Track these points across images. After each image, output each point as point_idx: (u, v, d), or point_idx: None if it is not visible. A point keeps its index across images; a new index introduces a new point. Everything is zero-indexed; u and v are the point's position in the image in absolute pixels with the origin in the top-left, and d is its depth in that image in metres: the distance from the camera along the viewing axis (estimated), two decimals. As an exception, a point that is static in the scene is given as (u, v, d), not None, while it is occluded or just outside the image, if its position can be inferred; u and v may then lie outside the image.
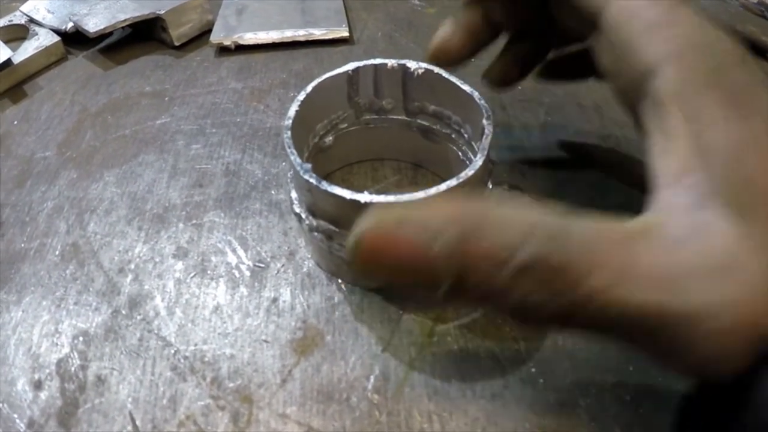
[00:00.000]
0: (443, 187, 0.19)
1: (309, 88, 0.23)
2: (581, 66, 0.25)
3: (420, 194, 0.19)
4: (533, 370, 0.21)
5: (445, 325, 0.22)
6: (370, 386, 0.20)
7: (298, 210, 0.22)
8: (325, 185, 0.19)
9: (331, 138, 0.26)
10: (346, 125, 0.26)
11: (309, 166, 0.20)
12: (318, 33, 0.38)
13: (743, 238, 0.14)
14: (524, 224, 0.13)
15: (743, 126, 0.15)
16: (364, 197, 0.19)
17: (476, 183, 0.21)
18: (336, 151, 0.26)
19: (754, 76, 0.16)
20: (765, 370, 0.13)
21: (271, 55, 0.37)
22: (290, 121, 0.22)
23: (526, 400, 0.20)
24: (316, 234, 0.22)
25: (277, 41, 0.38)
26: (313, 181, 0.19)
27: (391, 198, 0.19)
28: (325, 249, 0.22)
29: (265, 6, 0.41)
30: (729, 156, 0.15)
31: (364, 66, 0.24)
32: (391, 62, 0.24)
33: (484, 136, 0.21)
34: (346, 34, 0.38)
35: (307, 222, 0.22)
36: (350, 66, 0.24)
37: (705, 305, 0.13)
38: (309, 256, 0.25)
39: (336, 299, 0.23)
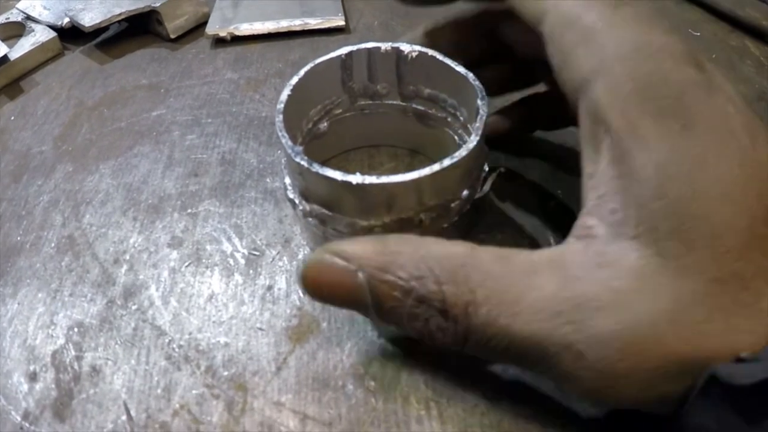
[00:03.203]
0: (437, 167, 0.18)
1: (302, 73, 0.23)
2: (527, 120, 0.26)
3: (412, 174, 0.18)
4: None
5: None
6: (366, 373, 0.20)
7: (291, 195, 0.22)
8: (317, 167, 0.19)
9: (325, 124, 0.25)
10: (340, 111, 0.26)
11: (300, 148, 0.20)
12: (314, 22, 0.38)
13: (637, 277, 0.14)
14: (428, 261, 0.16)
15: (676, 141, 0.14)
16: (355, 178, 0.18)
17: (472, 164, 0.21)
18: (331, 138, 0.26)
19: (700, 76, 0.15)
20: (696, 400, 0.13)
21: (267, 45, 0.37)
22: (282, 105, 0.21)
23: (525, 385, 0.19)
24: (310, 219, 0.21)
25: (273, 31, 0.37)
26: (304, 163, 0.19)
27: (383, 179, 0.18)
28: (320, 235, 0.21)
29: (261, -3, 0.41)
30: (653, 180, 0.14)
31: (358, 50, 0.24)
32: (384, 46, 0.24)
33: (479, 117, 0.20)
34: (342, 23, 0.37)
35: (300, 208, 0.21)
36: (343, 50, 0.24)
37: (583, 337, 0.14)
38: (304, 243, 0.24)
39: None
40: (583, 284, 0.14)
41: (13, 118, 0.33)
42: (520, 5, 0.19)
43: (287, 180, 0.22)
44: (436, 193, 0.19)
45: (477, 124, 0.20)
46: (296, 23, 0.37)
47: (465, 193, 0.21)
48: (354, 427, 0.19)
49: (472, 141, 0.20)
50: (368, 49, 0.24)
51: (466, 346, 0.16)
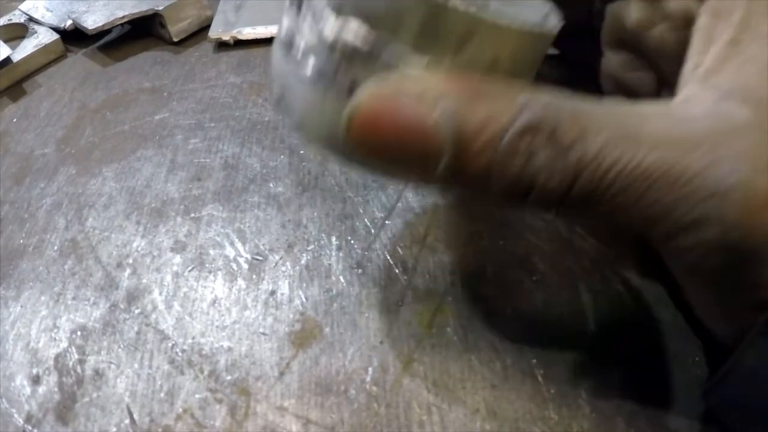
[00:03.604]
0: (538, 29, 0.15)
1: None
2: None
3: (505, 21, 0.14)
4: (534, 361, 0.20)
5: (444, 317, 0.22)
6: (368, 378, 0.20)
7: (290, 26, 0.16)
8: None
9: None
10: None
11: None
12: (316, 27, 0.38)
13: (757, 126, 0.13)
14: (525, 92, 0.13)
15: None
16: None
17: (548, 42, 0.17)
18: None
19: None
20: (758, 339, 0.13)
21: (270, 49, 0.37)
22: None
23: (527, 392, 0.20)
24: (317, 61, 0.14)
25: (275, 35, 0.37)
26: None
27: (472, 8, 0.13)
28: (319, 98, 0.15)
29: (263, 1, 0.41)
30: (763, 65, 0.14)
31: None
32: None
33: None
34: (344, 27, 0.38)
35: (308, 41, 0.15)
36: None
37: (723, 157, 0.12)
38: (292, 111, 0.16)
39: (334, 291, 0.23)
40: (706, 122, 0.13)
41: (15, 120, 0.33)
42: None
43: (286, 21, 0.16)
44: (512, 60, 0.15)
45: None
46: (299, 28, 0.38)
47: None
48: (356, 431, 0.19)
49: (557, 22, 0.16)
50: None
51: (573, 190, 0.13)
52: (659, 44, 0.19)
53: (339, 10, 0.14)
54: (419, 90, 0.13)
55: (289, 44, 0.15)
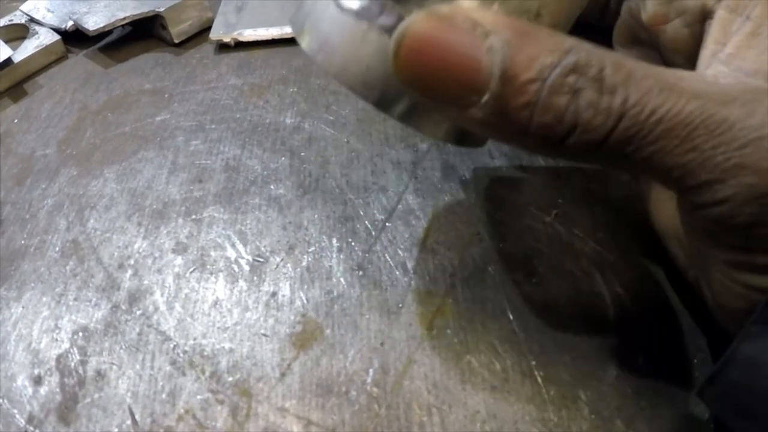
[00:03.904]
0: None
1: None
2: None
3: None
4: (533, 362, 0.20)
5: (445, 318, 0.22)
6: (369, 379, 0.20)
7: None
8: None
9: None
10: None
11: None
12: (317, 29, 0.38)
13: None
14: (570, 38, 0.13)
15: None
16: None
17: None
18: None
19: None
20: (754, 328, 0.13)
21: (270, 51, 0.37)
22: None
23: (527, 393, 0.20)
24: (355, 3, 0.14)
25: (276, 37, 0.38)
26: None
27: None
28: (359, 34, 0.15)
29: (264, 3, 0.41)
30: None
31: None
32: None
33: None
34: (345, 30, 0.38)
35: None
36: None
37: (756, 108, 0.13)
38: (327, 61, 0.16)
39: (335, 293, 0.23)
40: (727, 86, 0.14)
41: (16, 120, 0.33)
42: None
43: None
44: (553, 14, 0.15)
45: None
46: (300, 30, 0.38)
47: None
48: (357, 433, 0.19)
49: None
50: None
51: (616, 132, 0.13)
52: (673, 39, 0.19)
53: None
54: (472, 21, 0.13)
55: None
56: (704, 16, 0.18)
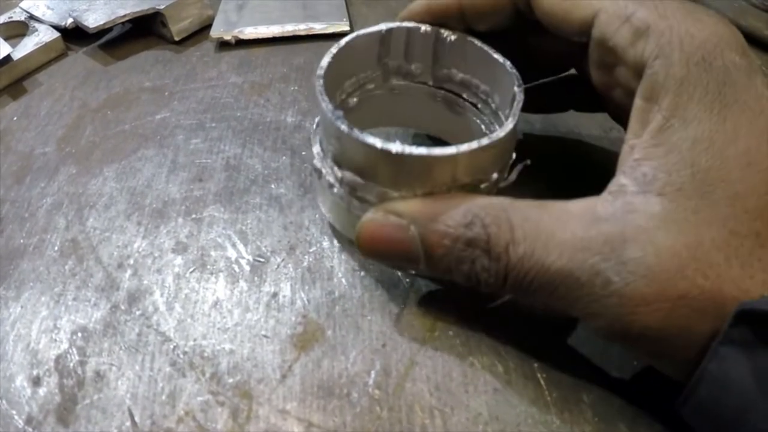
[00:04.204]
0: (475, 144, 0.19)
1: (342, 42, 0.23)
2: (559, 98, 0.27)
3: (451, 149, 0.18)
4: (536, 365, 0.20)
5: (447, 320, 0.22)
6: (371, 381, 0.20)
7: (319, 165, 0.22)
8: (357, 133, 0.19)
9: (355, 99, 0.25)
10: (372, 86, 0.26)
11: (341, 112, 0.19)
12: (318, 27, 0.38)
13: (661, 219, 0.15)
14: (473, 209, 0.18)
15: (714, 121, 0.16)
16: (395, 147, 0.18)
17: (506, 146, 0.21)
18: (358, 115, 0.25)
19: (743, 61, 0.17)
20: (721, 349, 0.14)
21: (271, 49, 0.37)
22: (322, 71, 0.21)
23: (529, 396, 0.20)
24: (336, 190, 0.21)
25: (277, 36, 0.37)
26: (344, 127, 0.19)
27: (422, 150, 0.18)
28: (344, 207, 0.21)
29: (265, 1, 0.41)
30: (687, 153, 0.16)
31: (398, 28, 0.24)
32: (424, 27, 0.24)
33: (516, 102, 0.21)
34: (347, 28, 0.38)
35: (328, 178, 0.21)
36: (383, 26, 0.24)
37: (611, 265, 0.15)
38: (325, 214, 0.24)
39: (336, 294, 0.23)
40: (610, 225, 0.16)
41: (15, 118, 0.33)
42: (566, 13, 0.20)
43: (316, 148, 0.22)
44: (470, 170, 0.20)
45: (514, 109, 0.20)
46: (301, 28, 0.38)
47: (495, 176, 0.21)
48: (358, 435, 0.19)
49: (509, 123, 0.20)
50: (408, 28, 0.24)
51: (507, 284, 0.18)
52: (620, 105, 0.21)
53: (339, 165, 0.21)
54: (397, 216, 0.19)
55: (320, 173, 0.22)
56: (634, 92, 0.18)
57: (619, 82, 0.20)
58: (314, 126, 0.23)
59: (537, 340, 0.21)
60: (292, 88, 0.33)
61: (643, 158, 0.17)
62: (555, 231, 0.17)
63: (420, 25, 0.24)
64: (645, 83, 0.17)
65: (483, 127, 0.25)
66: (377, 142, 0.19)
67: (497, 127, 0.24)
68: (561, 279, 0.16)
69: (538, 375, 0.20)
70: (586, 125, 0.30)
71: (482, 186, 0.21)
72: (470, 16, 0.23)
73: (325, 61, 0.22)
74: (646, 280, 0.15)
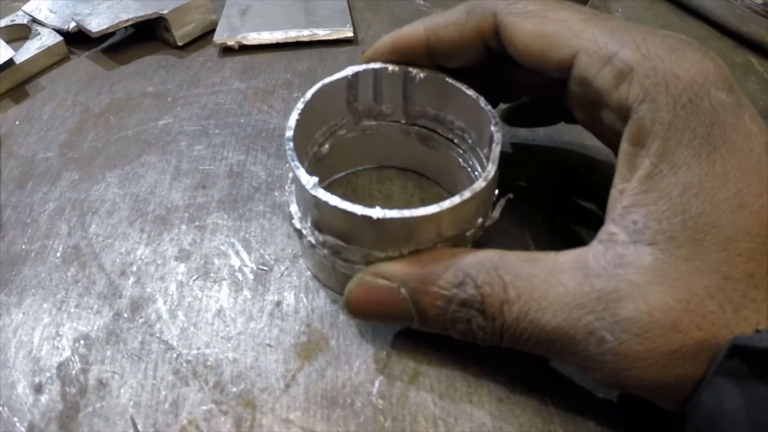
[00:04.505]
0: (457, 199, 0.18)
1: (308, 95, 0.22)
2: (546, 113, 0.27)
3: (433, 208, 0.18)
4: (540, 374, 0.20)
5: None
6: (374, 391, 0.20)
7: (298, 225, 0.21)
8: (334, 200, 0.18)
9: (327, 146, 0.25)
10: (344, 131, 0.25)
11: (315, 180, 0.19)
12: (322, 33, 0.38)
13: (653, 273, 0.15)
14: (464, 268, 0.18)
15: (703, 165, 0.16)
16: (376, 213, 0.18)
17: (488, 194, 0.20)
18: (334, 159, 0.25)
19: (730, 98, 0.16)
20: (717, 372, 0.15)
21: (274, 55, 0.37)
22: (291, 132, 0.21)
23: (533, 406, 0.20)
24: (318, 250, 0.21)
25: (281, 41, 0.37)
26: (321, 196, 0.18)
27: (404, 213, 0.18)
28: (329, 266, 0.21)
29: (268, 6, 0.41)
30: (677, 200, 0.16)
31: (364, 71, 0.23)
32: (392, 66, 0.23)
33: (494, 144, 0.20)
34: (350, 34, 0.38)
35: (309, 239, 0.21)
36: (349, 71, 0.23)
37: (605, 324, 0.15)
38: (308, 272, 0.24)
39: (340, 302, 0.23)
40: (603, 281, 0.16)
41: (18, 122, 0.33)
42: (543, 53, 0.19)
43: (293, 208, 0.22)
44: (453, 224, 0.19)
45: (493, 153, 0.20)
46: (304, 34, 0.38)
47: (479, 221, 0.21)
48: (362, 446, 0.19)
49: (490, 171, 0.19)
50: (375, 70, 0.23)
51: (503, 341, 0.18)
52: (605, 137, 0.21)
53: (319, 229, 0.20)
54: (387, 279, 0.19)
55: (300, 233, 0.21)
56: (618, 134, 0.18)
57: (603, 121, 0.19)
58: (288, 182, 0.22)
59: None
60: (296, 95, 0.33)
61: (632, 205, 0.16)
62: (548, 288, 0.16)
63: (387, 65, 0.23)
64: (631, 128, 0.17)
65: (461, 160, 0.24)
66: (357, 209, 0.18)
67: (475, 161, 0.24)
68: (557, 337, 0.16)
69: (542, 385, 0.20)
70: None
71: (468, 233, 0.20)
72: (438, 54, 0.22)
73: (293, 119, 0.21)
74: (639, 338, 0.15)
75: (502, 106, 0.27)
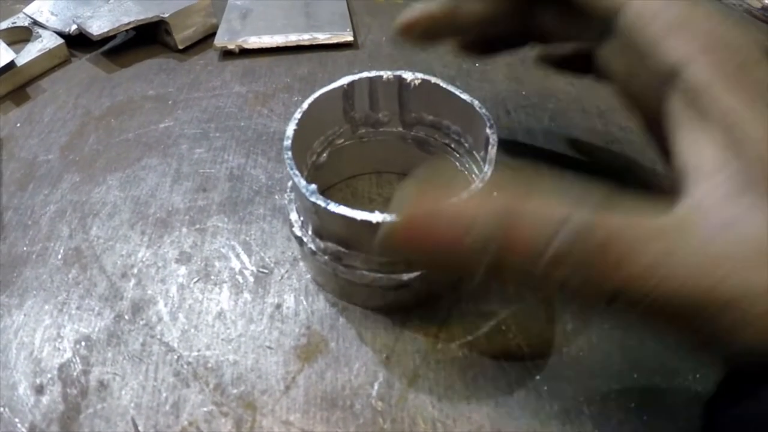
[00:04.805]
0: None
1: (305, 106, 0.22)
2: (581, 64, 0.24)
3: None
4: (537, 377, 0.21)
5: (450, 332, 0.22)
6: (374, 393, 0.20)
7: (299, 233, 0.21)
8: (334, 207, 0.18)
9: (325, 155, 0.25)
10: (342, 141, 0.26)
11: (314, 187, 0.19)
12: (322, 37, 0.38)
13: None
14: (558, 215, 0.14)
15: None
16: (375, 217, 0.18)
17: None
18: (331, 167, 0.26)
19: None
20: None
21: (275, 59, 0.37)
22: (289, 141, 0.21)
23: (531, 408, 0.20)
24: (319, 257, 0.21)
25: (281, 45, 0.38)
26: (320, 203, 0.19)
27: None
28: (330, 272, 0.21)
29: (269, 10, 0.41)
30: (762, 148, 0.14)
31: (359, 79, 0.24)
32: (386, 74, 0.24)
33: (491, 146, 0.20)
34: (350, 38, 0.38)
35: (310, 246, 0.21)
36: (345, 80, 0.23)
37: (743, 291, 0.13)
38: (309, 277, 0.24)
39: (340, 305, 0.23)
40: (721, 243, 0.14)
41: (19, 125, 0.33)
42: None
43: (293, 216, 0.22)
44: None
45: (489, 155, 0.20)
46: (305, 38, 0.38)
47: None
48: (362, 447, 0.19)
49: (486, 173, 0.20)
50: (370, 78, 0.24)
51: (615, 304, 0.14)
52: (639, 101, 0.19)
53: (320, 236, 0.20)
54: (457, 209, 0.14)
55: (300, 241, 0.21)
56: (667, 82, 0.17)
57: (641, 78, 0.18)
58: (288, 190, 0.23)
59: (538, 353, 0.21)
60: (296, 98, 0.33)
61: (719, 161, 0.15)
62: (669, 248, 0.14)
63: (382, 73, 0.24)
64: (683, 86, 0.16)
65: (458, 164, 0.25)
66: (357, 215, 0.18)
67: (472, 164, 0.24)
68: (685, 307, 0.14)
69: (540, 387, 0.20)
70: (588, 136, 0.30)
71: None
72: None
73: (291, 129, 0.21)
74: None
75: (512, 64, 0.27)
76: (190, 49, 0.39)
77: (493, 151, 0.20)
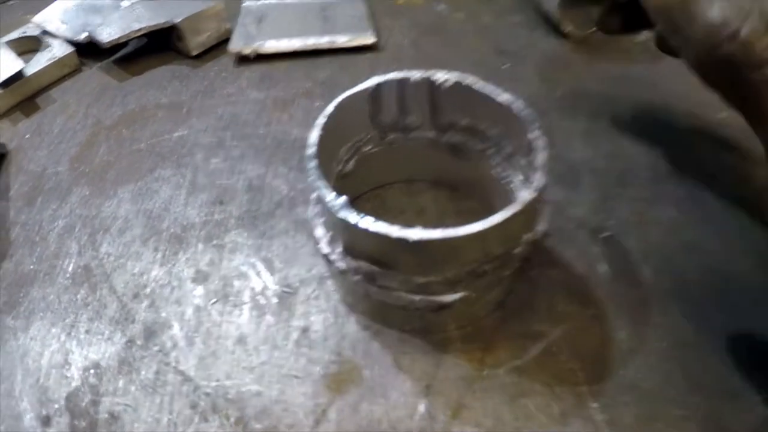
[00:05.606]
0: (503, 215, 0.17)
1: (329, 110, 0.21)
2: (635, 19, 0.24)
3: (478, 226, 0.16)
4: (594, 405, 0.19)
5: (496, 356, 0.20)
6: (414, 427, 0.19)
7: (326, 250, 0.20)
8: (366, 222, 0.17)
9: (352, 163, 0.24)
10: (369, 147, 0.24)
11: (344, 199, 0.17)
12: (342, 40, 0.36)
13: None
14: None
15: None
16: (414, 234, 0.16)
17: (536, 207, 0.19)
18: (359, 176, 0.24)
19: None
20: None
21: (292, 63, 0.36)
22: (313, 149, 0.19)
23: (588, 440, 0.18)
24: (350, 277, 0.19)
25: (299, 49, 0.36)
26: (351, 219, 0.17)
27: (447, 233, 0.16)
28: (362, 293, 0.20)
29: (284, 14, 0.40)
30: None
31: (387, 81, 0.22)
32: (415, 75, 0.22)
33: (539, 151, 0.19)
34: (372, 40, 0.36)
35: (339, 265, 0.19)
36: (371, 82, 0.22)
37: None
38: (338, 297, 0.22)
39: (374, 329, 0.21)
40: None
41: (28, 136, 0.32)
42: None
43: (319, 231, 0.20)
44: (501, 242, 0.18)
45: (539, 160, 0.18)
46: (324, 41, 0.36)
47: (527, 236, 0.19)
48: (403, 491, 0.17)
49: (539, 180, 0.18)
50: (398, 80, 0.22)
51: None
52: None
53: (351, 254, 0.19)
54: None
55: (328, 259, 0.20)
56: None
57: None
58: (312, 203, 0.21)
59: (593, 377, 0.19)
60: (317, 104, 0.32)
61: None
62: None
63: (411, 73, 0.22)
64: None
65: (495, 171, 0.23)
66: (392, 231, 0.16)
67: (511, 171, 0.22)
68: None
69: (596, 417, 0.19)
70: (625, 138, 0.28)
71: (516, 251, 0.19)
72: None
73: (314, 136, 0.20)
74: None
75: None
76: (203, 55, 0.38)
77: (543, 155, 0.18)
